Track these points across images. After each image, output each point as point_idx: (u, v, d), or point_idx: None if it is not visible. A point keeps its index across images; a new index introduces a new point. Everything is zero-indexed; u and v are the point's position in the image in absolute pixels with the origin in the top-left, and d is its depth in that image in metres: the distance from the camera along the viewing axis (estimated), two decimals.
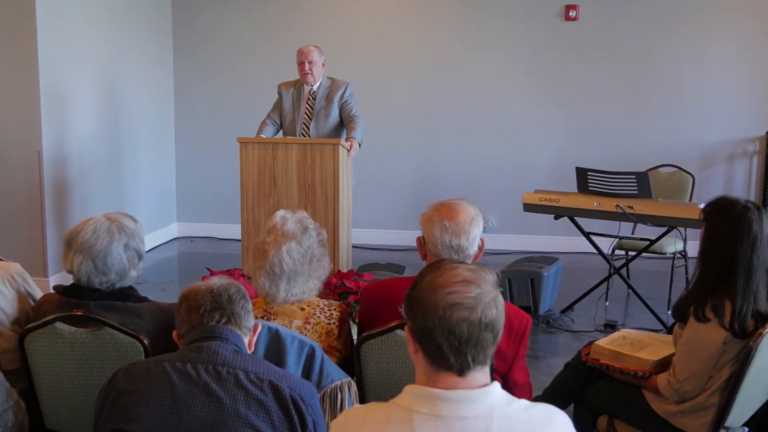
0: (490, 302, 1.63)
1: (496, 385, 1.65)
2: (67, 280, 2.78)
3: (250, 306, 2.22)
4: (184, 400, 1.99)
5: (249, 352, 2.19)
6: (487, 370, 1.67)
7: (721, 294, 2.79)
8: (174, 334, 2.24)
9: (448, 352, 1.61)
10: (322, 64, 5.80)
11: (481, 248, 2.72)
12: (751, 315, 2.76)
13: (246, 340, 2.19)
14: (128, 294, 2.73)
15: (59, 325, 2.60)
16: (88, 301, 2.66)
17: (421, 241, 2.74)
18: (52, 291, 2.80)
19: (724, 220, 2.85)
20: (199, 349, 2.07)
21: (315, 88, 5.80)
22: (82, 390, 2.65)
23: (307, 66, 5.72)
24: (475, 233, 2.68)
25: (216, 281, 2.22)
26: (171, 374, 2.02)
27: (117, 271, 2.68)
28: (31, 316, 2.82)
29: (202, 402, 1.99)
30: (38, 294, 2.97)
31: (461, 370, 1.62)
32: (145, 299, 2.79)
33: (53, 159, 6.04)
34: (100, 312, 2.61)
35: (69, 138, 6.23)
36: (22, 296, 2.92)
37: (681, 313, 2.91)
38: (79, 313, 2.60)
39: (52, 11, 5.88)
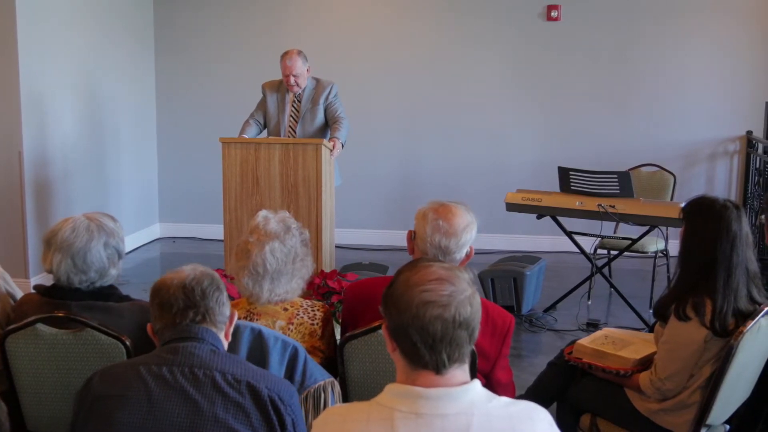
0: (465, 300, 1.63)
1: (476, 383, 1.65)
2: (49, 281, 2.76)
3: (224, 296, 2.16)
4: (161, 405, 1.97)
5: (226, 342, 2.16)
6: (466, 368, 1.66)
7: (702, 293, 2.80)
8: (148, 327, 2.18)
9: (423, 350, 1.61)
10: (307, 70, 5.68)
11: (468, 255, 2.71)
12: (731, 313, 2.78)
13: (222, 334, 2.14)
14: (109, 293, 2.71)
15: (40, 326, 2.58)
16: (69, 301, 2.63)
17: (411, 236, 2.74)
18: (32, 291, 2.77)
19: (703, 219, 2.87)
20: (175, 350, 2.04)
21: (300, 90, 5.74)
22: (63, 392, 2.63)
23: (292, 80, 5.61)
24: (465, 239, 2.67)
25: (188, 271, 2.14)
26: (147, 378, 2.00)
27: (97, 269, 2.65)
28: (12, 316, 2.80)
29: (180, 407, 1.96)
30: (18, 294, 2.94)
31: (437, 368, 1.62)
32: (127, 298, 2.76)
33: (34, 159, 5.99)
34: (81, 312, 2.59)
35: (50, 139, 6.18)
36: (3, 296, 2.88)
37: (662, 311, 2.92)
38: (60, 315, 2.58)
39: (32, 12, 5.83)
